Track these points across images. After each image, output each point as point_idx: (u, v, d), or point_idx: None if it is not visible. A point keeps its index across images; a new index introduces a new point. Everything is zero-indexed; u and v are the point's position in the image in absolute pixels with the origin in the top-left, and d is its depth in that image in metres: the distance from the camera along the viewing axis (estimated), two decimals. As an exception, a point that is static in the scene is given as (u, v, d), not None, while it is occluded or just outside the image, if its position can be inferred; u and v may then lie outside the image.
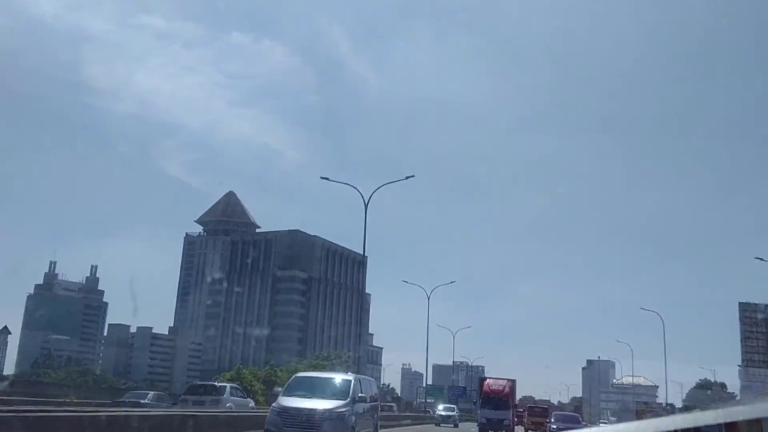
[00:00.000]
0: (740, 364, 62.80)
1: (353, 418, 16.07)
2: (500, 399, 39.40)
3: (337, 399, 16.14)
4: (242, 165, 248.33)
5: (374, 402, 19.33)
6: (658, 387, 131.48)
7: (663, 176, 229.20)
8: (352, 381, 17.27)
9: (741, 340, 62.63)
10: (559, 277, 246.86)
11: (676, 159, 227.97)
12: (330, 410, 15.66)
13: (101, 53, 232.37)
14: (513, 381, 43.35)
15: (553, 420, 37.88)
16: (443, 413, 52.57)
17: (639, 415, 79.00)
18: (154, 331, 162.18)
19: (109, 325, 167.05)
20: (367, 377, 21.44)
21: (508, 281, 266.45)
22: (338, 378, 18.16)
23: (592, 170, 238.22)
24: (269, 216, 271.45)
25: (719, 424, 1.49)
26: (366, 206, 43.01)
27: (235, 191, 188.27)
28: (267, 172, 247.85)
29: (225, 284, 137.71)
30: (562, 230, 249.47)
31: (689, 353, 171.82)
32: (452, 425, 49.83)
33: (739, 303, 63.35)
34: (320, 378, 18.87)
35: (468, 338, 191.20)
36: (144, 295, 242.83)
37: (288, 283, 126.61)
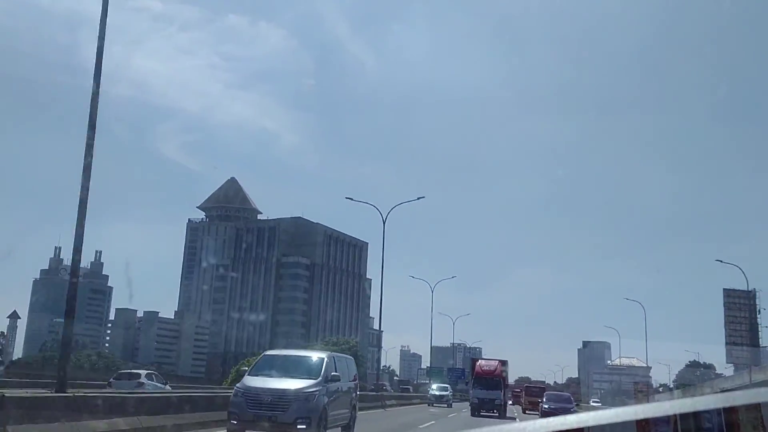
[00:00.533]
0: (726, 343, 66.27)
1: (325, 398, 14.94)
2: (492, 379, 39.61)
3: (307, 378, 15.03)
4: (239, 148, 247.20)
5: (352, 382, 18.19)
6: (651, 368, 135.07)
7: (662, 159, 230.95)
8: (326, 359, 15.99)
9: (725, 325, 65.88)
10: (557, 261, 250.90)
11: (677, 141, 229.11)
12: (298, 390, 14.54)
13: (98, 36, 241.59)
14: (504, 361, 43.42)
15: (545, 399, 37.25)
16: (436, 393, 51.39)
17: (636, 394, 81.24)
18: (159, 315, 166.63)
19: (116, 309, 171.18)
20: (344, 356, 20.00)
21: (506, 265, 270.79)
22: (310, 356, 17.00)
23: (591, 153, 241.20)
24: (268, 200, 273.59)
25: (718, 409, 1.64)
26: (384, 224, 48.27)
27: (231, 174, 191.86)
28: (264, 155, 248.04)
29: (230, 270, 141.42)
30: (561, 214, 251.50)
31: (681, 334, 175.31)
32: (446, 405, 48.64)
33: (724, 289, 66.53)
34: (291, 356, 17.64)
35: (466, 321, 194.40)
36: (147, 279, 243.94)
37: (291, 269, 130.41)
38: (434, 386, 55.50)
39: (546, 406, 34.78)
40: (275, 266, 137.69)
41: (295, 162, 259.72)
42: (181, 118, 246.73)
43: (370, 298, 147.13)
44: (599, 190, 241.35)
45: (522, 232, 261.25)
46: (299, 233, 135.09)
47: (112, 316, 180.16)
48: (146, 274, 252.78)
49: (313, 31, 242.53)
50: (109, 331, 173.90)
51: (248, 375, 15.60)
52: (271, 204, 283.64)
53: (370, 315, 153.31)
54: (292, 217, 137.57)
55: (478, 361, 44.27)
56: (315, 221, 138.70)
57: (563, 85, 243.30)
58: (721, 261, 57.72)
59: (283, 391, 14.46)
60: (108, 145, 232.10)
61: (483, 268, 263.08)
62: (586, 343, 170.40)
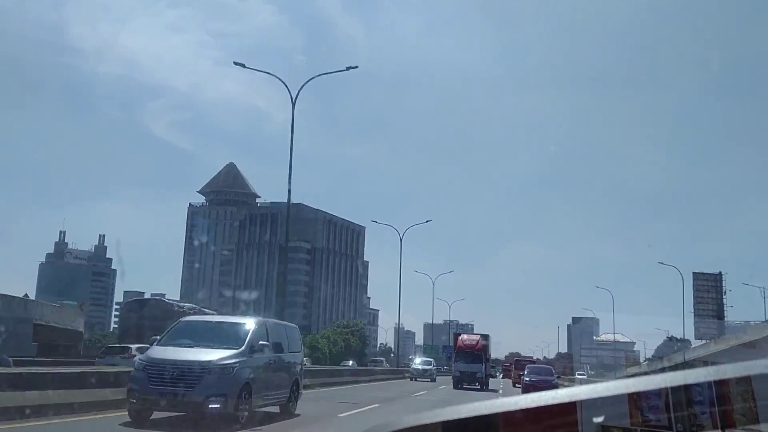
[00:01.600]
0: (695, 321, 72.99)
1: (248, 371, 12.73)
2: (473, 353, 40.04)
3: (227, 348, 12.78)
4: (230, 126, 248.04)
5: (295, 354, 15.76)
6: (635, 343, 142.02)
7: (653, 135, 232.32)
8: (253, 326, 13.72)
9: (693, 305, 72.66)
10: (549, 237, 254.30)
11: (669, 118, 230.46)
12: (212, 362, 12.29)
13: (85, 13, 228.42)
14: (486, 336, 44.09)
15: (526, 372, 37.17)
16: (419, 367, 50.48)
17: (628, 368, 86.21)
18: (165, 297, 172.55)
19: (124, 292, 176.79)
20: (285, 323, 17.37)
21: (498, 241, 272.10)
22: (235, 322, 14.68)
23: (581, 130, 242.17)
24: (261, 178, 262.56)
25: (709, 382, 1.40)
26: (401, 242, 53.50)
27: (223, 152, 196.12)
28: (256, 133, 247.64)
29: (234, 254, 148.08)
30: (552, 190, 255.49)
31: (665, 309, 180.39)
32: (429, 380, 47.29)
33: (693, 273, 73.13)
34: (211, 323, 15.57)
35: (457, 296, 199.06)
36: (143, 260, 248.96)
37: (294, 253, 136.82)
38: (417, 360, 55.04)
39: (527, 379, 34.91)
40: (279, 250, 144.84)
41: (286, 139, 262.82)
42: (171, 96, 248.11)
43: (368, 278, 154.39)
44: (590, 166, 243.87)
45: (513, 209, 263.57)
46: (300, 219, 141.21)
47: (117, 299, 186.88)
48: (141, 255, 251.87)
49: (303, 7, 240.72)
50: (116, 313, 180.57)
51: (157, 345, 13.24)
52: (263, 182, 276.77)
53: (368, 295, 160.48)
54: (293, 204, 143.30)
55: (460, 335, 45.06)
56: (315, 207, 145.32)
57: (555, 62, 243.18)
58: (663, 263, 65.51)
59: (192, 363, 12.16)
60: (98, 124, 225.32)
61: (475, 245, 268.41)
62: (576, 319, 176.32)
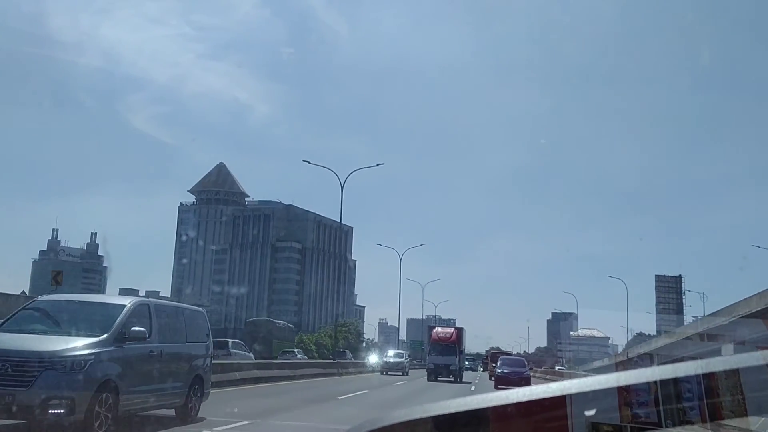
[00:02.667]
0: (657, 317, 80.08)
1: (112, 365, 9.94)
2: (447, 345, 39.95)
3: (86, 336, 9.94)
4: (212, 119, 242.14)
5: (194, 343, 12.71)
6: (610, 338, 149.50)
7: (636, 130, 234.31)
8: (127, 307, 10.69)
9: (656, 304, 79.95)
10: (531, 231, 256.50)
11: (653, 112, 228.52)
12: (55, 353, 9.32)
13: (65, 4, 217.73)
14: (460, 329, 43.87)
15: (499, 364, 36.49)
16: (391, 360, 47.20)
17: (617, 366, 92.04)
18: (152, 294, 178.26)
19: (119, 289, 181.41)
20: (184, 305, 14.84)
21: (480, 235, 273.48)
22: (103, 302, 11.73)
23: (564, 124, 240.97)
24: (243, 172, 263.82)
25: (698, 375, 1.59)
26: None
27: (204, 145, 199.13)
28: (237, 127, 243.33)
29: (227, 253, 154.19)
30: (534, 184, 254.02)
31: (643, 304, 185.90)
32: (401, 373, 44.11)
33: (655, 275, 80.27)
34: (73, 303, 11.99)
35: (441, 293, 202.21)
36: (135, 257, 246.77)
37: (285, 252, 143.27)
38: (390, 352, 51.71)
39: (499, 371, 34.74)
40: (271, 250, 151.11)
41: (269, 133, 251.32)
42: (152, 88, 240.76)
43: (355, 276, 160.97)
44: (572, 161, 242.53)
45: (495, 203, 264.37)
46: (291, 220, 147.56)
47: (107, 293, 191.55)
48: (130, 250, 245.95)
49: (285, 0, 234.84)
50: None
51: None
52: (248, 176, 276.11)
53: (355, 292, 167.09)
54: (284, 205, 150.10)
55: (435, 328, 44.83)
56: (305, 209, 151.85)
57: (537, 57, 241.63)
58: (611, 276, 71.97)
59: (28, 354, 9.32)
60: (78, 117, 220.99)
61: (457, 239, 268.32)
62: (555, 315, 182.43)
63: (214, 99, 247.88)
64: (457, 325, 50.31)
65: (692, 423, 1.26)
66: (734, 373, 1.22)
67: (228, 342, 36.75)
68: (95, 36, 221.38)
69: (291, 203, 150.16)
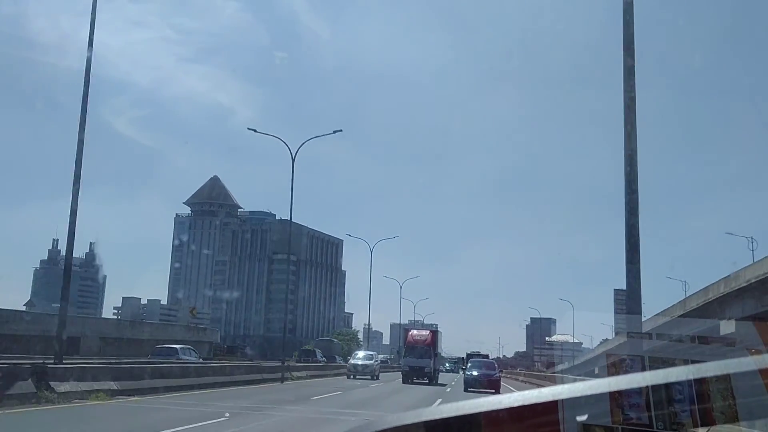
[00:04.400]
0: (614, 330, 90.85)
1: None
2: (422, 348, 39.37)
3: None
4: (193, 122, 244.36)
5: None
6: (582, 343, 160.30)
7: (616, 134, 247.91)
8: None
9: (614, 316, 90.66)
10: (516, 236, 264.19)
11: (640, 115, 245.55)
12: None
13: (45, 6, 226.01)
14: (435, 332, 43.42)
15: (469, 366, 35.48)
16: (359, 363, 42.41)
17: (609, 367, 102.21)
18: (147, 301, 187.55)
19: (123, 297, 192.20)
20: None
21: (461, 241, 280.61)
22: None
23: (545, 129, 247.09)
24: (234, 183, 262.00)
25: (689, 380, 1.69)
26: (293, 161, 39.37)
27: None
28: (219, 130, 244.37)
29: (227, 264, 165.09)
30: (516, 189, 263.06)
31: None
32: (370, 377, 40.78)
33: (614, 289, 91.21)
34: None
35: (423, 297, 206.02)
36: (126, 264, 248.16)
37: (281, 264, 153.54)
38: (359, 354, 46.35)
39: (468, 373, 33.74)
40: (267, 262, 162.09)
41: (251, 137, 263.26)
42: (133, 91, 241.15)
43: (345, 286, 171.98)
44: (553, 167, 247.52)
45: (477, 208, 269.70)
46: (286, 234, 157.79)
47: (105, 304, 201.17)
48: (121, 256, 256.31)
49: (267, 4, 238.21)
50: (114, 314, 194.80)
51: None
52: (229, 179, 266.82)
53: (345, 300, 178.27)
54: (279, 220, 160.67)
55: (410, 331, 43.85)
56: (300, 224, 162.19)
57: (522, 62, 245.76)
58: (563, 299, 77.83)
59: None
60: (58, 119, 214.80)
61: (441, 243, 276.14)
62: (534, 320, 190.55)
63: (196, 102, 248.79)
64: (439, 329, 50.14)
65: (684, 426, 1.27)
66: (725, 378, 1.20)
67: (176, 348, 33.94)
68: (76, 38, 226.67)
69: (280, 216, 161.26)
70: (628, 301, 15.84)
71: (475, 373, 33.26)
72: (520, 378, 59.33)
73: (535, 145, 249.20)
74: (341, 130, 58.46)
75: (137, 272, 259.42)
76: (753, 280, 29.13)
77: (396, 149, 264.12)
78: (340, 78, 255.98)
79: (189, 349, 35.48)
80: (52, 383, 15.78)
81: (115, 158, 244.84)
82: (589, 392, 1.22)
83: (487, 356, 59.90)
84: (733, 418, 1.24)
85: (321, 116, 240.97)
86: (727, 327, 32.92)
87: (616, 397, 1.29)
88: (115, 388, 17.81)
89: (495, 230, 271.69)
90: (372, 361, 43.05)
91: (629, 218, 14.46)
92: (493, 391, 30.67)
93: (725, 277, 33.20)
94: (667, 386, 1.29)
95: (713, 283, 35.23)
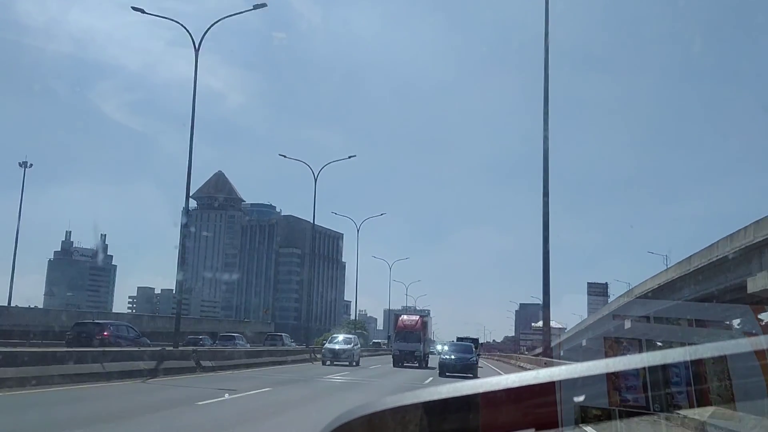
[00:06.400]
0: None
1: None
2: (412, 332, 40.13)
3: None
4: (183, 107, 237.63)
5: None
6: (566, 328, 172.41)
7: (608, 121, 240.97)
8: None
9: (587, 307, 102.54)
10: (505, 222, 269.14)
11: (628, 101, 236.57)
12: None
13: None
14: (424, 317, 44.76)
15: (446, 349, 34.36)
16: (335, 347, 37.66)
17: (606, 349, 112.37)
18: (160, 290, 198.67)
19: (138, 287, 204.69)
20: None
21: (455, 225, 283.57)
22: None
23: (536, 116, 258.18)
24: (227, 170, 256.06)
25: (686, 362, 1.79)
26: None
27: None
28: (210, 115, 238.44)
29: (237, 257, 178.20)
30: (508, 175, 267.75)
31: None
32: (347, 363, 36.34)
33: (588, 283, 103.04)
34: None
35: (417, 284, 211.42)
36: (129, 251, 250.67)
37: (287, 257, 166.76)
38: (339, 337, 41.63)
39: (443, 357, 32.57)
40: (275, 255, 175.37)
41: (242, 122, 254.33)
42: (122, 75, 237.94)
43: (345, 276, 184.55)
44: (555, 150, 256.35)
45: (470, 194, 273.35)
46: (291, 228, 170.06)
47: (116, 292, 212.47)
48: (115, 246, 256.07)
49: None
50: (129, 304, 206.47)
51: None
52: (221, 166, 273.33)
53: (344, 290, 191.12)
54: (285, 216, 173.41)
55: (401, 316, 44.51)
56: (304, 219, 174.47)
57: (507, 52, 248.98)
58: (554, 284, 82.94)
59: None
60: (47, 104, 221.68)
61: (433, 231, 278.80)
62: (523, 306, 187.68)
63: (185, 87, 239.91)
64: (431, 315, 51.34)
65: (680, 407, 1.33)
66: (721, 359, 1.21)
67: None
68: (64, 21, 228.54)
69: (280, 208, 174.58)
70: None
71: (452, 357, 31.89)
72: (511, 361, 62.03)
73: (528, 130, 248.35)
74: (356, 156, 65.91)
75: (139, 261, 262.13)
76: (700, 266, 32.53)
77: (389, 134, 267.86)
78: (333, 63, 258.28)
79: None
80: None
81: (106, 143, 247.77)
82: (586, 374, 1.21)
83: (476, 340, 59.03)
84: (729, 400, 1.25)
85: (313, 102, 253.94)
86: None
87: (613, 378, 1.30)
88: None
89: (488, 214, 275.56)
90: (351, 345, 38.46)
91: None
92: (471, 375, 29.21)
93: (679, 262, 36.76)
94: (664, 368, 1.30)
95: (669, 267, 39.74)
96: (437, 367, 32.57)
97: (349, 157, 56.94)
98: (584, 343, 54.38)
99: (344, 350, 37.49)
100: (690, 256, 34.60)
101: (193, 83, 30.28)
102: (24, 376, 15.68)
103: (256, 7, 32.65)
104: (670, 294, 37.16)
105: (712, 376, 1.31)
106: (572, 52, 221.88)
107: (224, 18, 33.31)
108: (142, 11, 32.74)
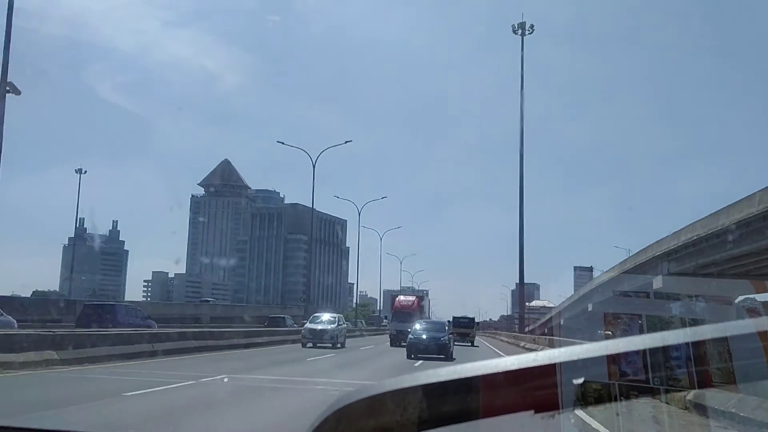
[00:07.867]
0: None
1: None
2: (409, 313, 40.60)
3: None
4: (179, 88, 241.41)
5: None
6: (554, 306, 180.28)
7: (606, 99, 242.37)
8: None
9: (574, 288, 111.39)
10: (504, 200, 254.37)
11: (622, 78, 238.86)
12: None
13: None
14: (421, 297, 45.61)
15: (417, 328, 28.89)
16: (317, 327, 33.38)
17: (606, 325, 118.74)
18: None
19: (153, 272, 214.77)
20: None
21: (452, 205, 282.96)
22: None
23: (535, 92, 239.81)
24: (225, 153, 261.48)
25: (686, 343, 1.63)
26: (314, 167, 53.73)
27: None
28: (205, 96, 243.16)
29: (248, 244, 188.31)
30: (508, 153, 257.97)
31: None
32: (330, 344, 32.57)
33: (574, 267, 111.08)
34: None
35: (415, 263, 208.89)
36: (136, 239, 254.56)
37: (294, 243, 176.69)
38: (323, 317, 35.67)
39: (411, 337, 27.89)
40: (283, 242, 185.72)
41: (238, 103, 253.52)
42: (117, 57, 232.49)
43: (348, 260, 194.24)
44: (542, 132, 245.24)
45: (469, 173, 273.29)
46: (298, 216, 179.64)
47: (132, 274, 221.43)
48: (140, 233, 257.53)
49: None
50: (144, 287, 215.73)
51: None
52: (218, 149, 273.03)
53: (347, 272, 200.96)
54: (292, 204, 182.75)
55: (397, 297, 45.69)
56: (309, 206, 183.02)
57: (502, 30, 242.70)
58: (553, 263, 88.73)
59: None
60: (41, 86, 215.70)
61: (430, 209, 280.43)
62: (518, 285, 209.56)
63: (181, 68, 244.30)
64: (429, 295, 53.14)
65: (681, 387, 1.29)
66: (722, 340, 1.36)
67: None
68: (57, 2, 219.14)
69: (284, 194, 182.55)
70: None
71: (423, 336, 27.57)
72: (499, 337, 63.97)
73: (526, 109, 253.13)
74: (351, 141, 70.26)
75: (145, 245, 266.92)
76: (674, 246, 37.11)
77: (386, 114, 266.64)
78: (329, 43, 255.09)
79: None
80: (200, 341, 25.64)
81: (101, 125, 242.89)
82: (587, 355, 1.34)
83: (473, 319, 57.67)
84: (730, 380, 1.25)
85: (309, 82, 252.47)
86: (657, 282, 39.45)
87: (614, 360, 1.28)
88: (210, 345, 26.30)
89: (485, 194, 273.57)
90: (334, 325, 34.21)
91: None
92: (443, 357, 26.81)
93: (657, 241, 40.72)
94: (665, 349, 1.36)
95: (647, 247, 43.11)
96: (405, 348, 27.74)
97: (345, 143, 59.84)
98: (590, 308, 57.64)
99: (326, 330, 33.12)
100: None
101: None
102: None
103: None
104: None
105: (713, 357, 1.22)
106: (568, 30, 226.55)
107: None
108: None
